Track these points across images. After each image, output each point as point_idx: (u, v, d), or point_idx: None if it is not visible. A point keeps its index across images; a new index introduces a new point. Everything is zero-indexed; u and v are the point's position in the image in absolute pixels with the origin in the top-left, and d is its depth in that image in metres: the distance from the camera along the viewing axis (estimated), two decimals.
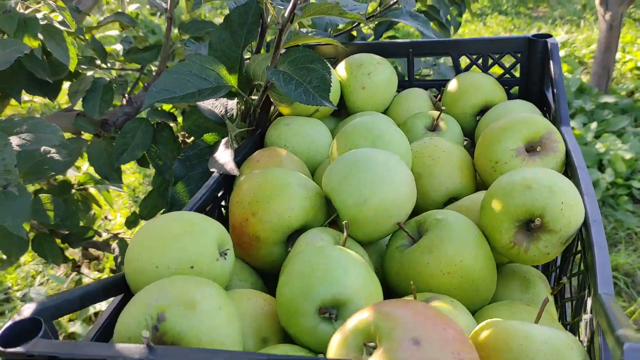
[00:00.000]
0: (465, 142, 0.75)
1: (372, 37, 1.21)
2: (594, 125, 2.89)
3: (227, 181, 0.65)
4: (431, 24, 1.33)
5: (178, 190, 0.68)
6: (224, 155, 0.66)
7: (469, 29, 4.12)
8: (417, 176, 0.62)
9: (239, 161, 0.69)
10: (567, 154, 0.60)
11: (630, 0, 2.90)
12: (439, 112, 0.70)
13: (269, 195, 0.53)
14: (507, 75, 0.79)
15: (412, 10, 0.86)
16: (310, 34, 0.78)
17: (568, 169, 0.59)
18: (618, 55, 3.44)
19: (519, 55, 0.76)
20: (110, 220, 2.43)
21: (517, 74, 0.79)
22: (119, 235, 1.10)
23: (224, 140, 0.70)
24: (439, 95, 0.79)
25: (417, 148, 0.64)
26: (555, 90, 0.67)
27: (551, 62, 0.70)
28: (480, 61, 0.78)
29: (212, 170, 0.65)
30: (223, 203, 0.65)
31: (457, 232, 0.49)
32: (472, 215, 0.55)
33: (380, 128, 0.59)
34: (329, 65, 0.64)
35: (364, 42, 0.82)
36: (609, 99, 3.11)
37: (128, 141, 0.93)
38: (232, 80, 0.76)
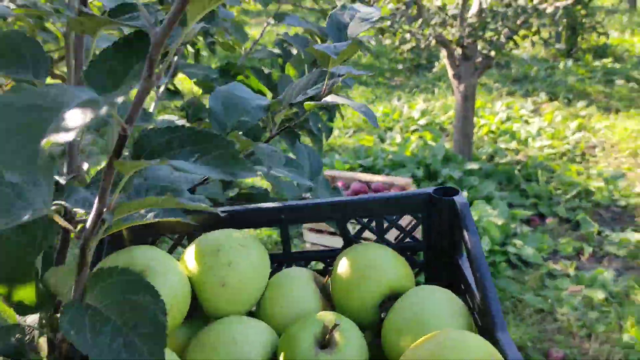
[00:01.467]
0: (365, 334, 0.56)
1: None
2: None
3: None
4: (300, 133, 1.17)
5: None
6: None
7: None
8: None
9: None
10: None
11: (481, 71, 3.04)
12: (332, 321, 0.50)
13: None
14: (407, 239, 0.62)
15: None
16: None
17: None
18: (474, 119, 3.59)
19: (420, 215, 0.60)
20: None
21: (419, 235, 0.62)
22: None
23: None
24: (327, 277, 0.60)
25: None
26: (478, 274, 0.51)
27: (464, 230, 0.54)
28: (373, 223, 0.61)
29: None
30: None
31: None
32: None
33: None
34: (160, 296, 0.41)
35: (219, 212, 0.61)
36: (473, 166, 3.20)
37: None
38: (25, 295, 0.51)
